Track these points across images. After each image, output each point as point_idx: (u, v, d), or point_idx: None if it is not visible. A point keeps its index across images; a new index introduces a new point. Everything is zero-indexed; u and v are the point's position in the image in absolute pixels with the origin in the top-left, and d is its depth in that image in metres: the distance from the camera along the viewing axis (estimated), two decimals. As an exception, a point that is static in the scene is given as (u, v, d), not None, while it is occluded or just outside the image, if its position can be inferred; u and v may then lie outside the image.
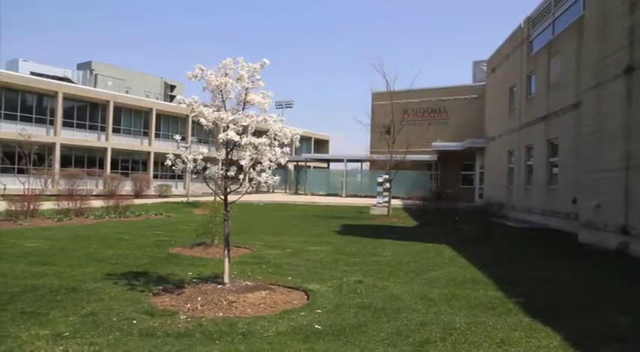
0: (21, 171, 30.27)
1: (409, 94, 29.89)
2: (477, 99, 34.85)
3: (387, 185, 22.17)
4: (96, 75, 48.51)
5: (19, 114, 33.30)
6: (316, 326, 4.88)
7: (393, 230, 15.33)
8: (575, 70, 15.74)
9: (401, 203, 25.76)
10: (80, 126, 37.05)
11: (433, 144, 34.30)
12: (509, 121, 23.82)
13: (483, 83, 32.84)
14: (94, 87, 43.86)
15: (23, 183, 27.69)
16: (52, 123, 34.75)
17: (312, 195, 37.81)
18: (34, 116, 34.27)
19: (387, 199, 21.82)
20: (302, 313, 5.37)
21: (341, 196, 36.69)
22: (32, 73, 40.01)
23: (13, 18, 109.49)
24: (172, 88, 57.23)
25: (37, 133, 31.72)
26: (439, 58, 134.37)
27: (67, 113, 36.07)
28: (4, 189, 27.89)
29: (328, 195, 37.68)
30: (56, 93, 34.64)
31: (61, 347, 4.17)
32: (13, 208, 15.22)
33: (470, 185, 33.59)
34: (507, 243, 12.80)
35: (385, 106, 24.18)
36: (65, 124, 35.45)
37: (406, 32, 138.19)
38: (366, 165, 41.69)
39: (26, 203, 15.57)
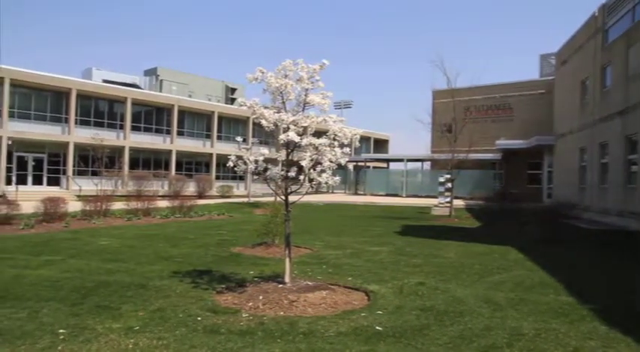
0: (94, 174, 32.21)
1: (471, 91, 29.02)
2: (544, 94, 33.22)
3: (449, 185, 21.61)
4: (161, 80, 50.75)
5: (92, 119, 35.40)
6: (377, 328, 4.82)
7: (456, 231, 14.92)
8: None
9: (463, 203, 25.02)
10: (147, 130, 38.83)
11: (497, 142, 33.06)
12: (580, 117, 22.53)
13: (552, 77, 31.25)
14: (160, 92, 45.84)
15: (96, 185, 29.44)
16: (121, 127, 36.67)
17: (372, 195, 37.52)
18: (105, 121, 36.32)
19: (448, 199, 21.27)
20: (362, 314, 5.32)
21: (401, 196, 36.18)
22: (104, 81, 42.44)
23: (88, 29, 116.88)
24: (233, 90, 58.84)
25: (108, 137, 33.51)
26: (503, 52, 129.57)
27: (135, 117, 37.92)
28: (80, 190, 29.75)
29: (388, 195, 37.28)
30: (125, 99, 36.53)
31: (131, 341, 4.38)
32: (88, 208, 16.24)
33: (537, 184, 32.06)
34: (580, 245, 12.05)
35: (446, 104, 23.59)
36: (133, 128, 37.26)
37: (468, 27, 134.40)
38: (427, 165, 40.87)
39: (99, 203, 16.57)
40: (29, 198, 20.34)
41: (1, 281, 6.69)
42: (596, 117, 20.09)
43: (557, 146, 27.31)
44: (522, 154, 33.15)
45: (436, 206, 22.23)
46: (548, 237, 12.18)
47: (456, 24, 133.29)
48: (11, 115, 30.62)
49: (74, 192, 29.82)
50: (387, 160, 47.74)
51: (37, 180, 32.60)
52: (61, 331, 4.63)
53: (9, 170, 30.47)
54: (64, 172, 33.32)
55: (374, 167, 49.54)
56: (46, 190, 28.41)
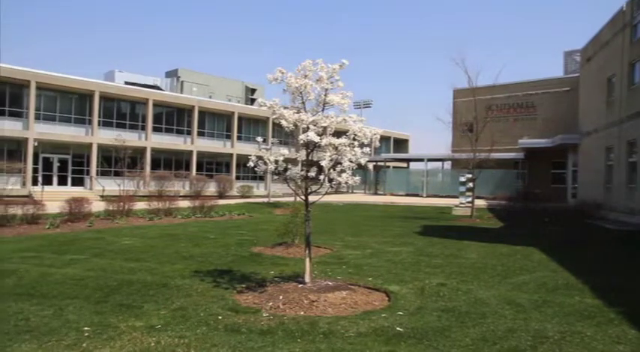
0: (117, 174, 32.82)
1: (493, 90, 28.63)
2: (568, 92, 32.60)
3: (471, 184, 21.36)
4: (182, 82, 51.26)
5: (114, 121, 36.01)
6: (398, 329, 4.79)
7: (477, 231, 14.73)
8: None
9: (485, 203, 24.72)
10: (168, 131, 39.32)
11: (520, 141, 32.55)
12: (607, 115, 22.03)
13: (576, 75, 30.66)
14: (181, 93, 46.34)
15: (119, 185, 30.02)
16: (143, 128, 37.21)
17: (392, 195, 37.35)
18: (127, 122, 36.90)
19: (470, 199, 21.03)
20: (383, 314, 5.29)
21: (421, 196, 35.91)
22: (126, 83, 43.08)
23: (111, 33, 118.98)
24: (253, 91, 59.10)
25: (130, 138, 34.11)
26: (525, 50, 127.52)
27: (157, 118, 38.42)
28: (103, 190, 30.30)
29: (408, 195, 37.05)
30: (147, 100, 37.05)
31: (154, 339, 4.43)
32: (111, 208, 16.52)
33: (561, 184, 31.46)
34: (606, 246, 11.78)
35: (467, 103, 23.32)
36: (155, 129, 37.77)
37: (489, 24, 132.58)
38: (448, 165, 40.46)
39: (122, 203, 16.84)
40: (54, 198, 20.80)
41: (28, 280, 6.85)
42: (624, 114, 19.62)
43: (582, 145, 26.77)
44: (546, 153, 32.58)
45: (457, 206, 21.99)
46: (573, 238, 11.94)
47: (478, 21, 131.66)
48: (37, 117, 31.37)
49: (97, 192, 30.38)
50: (407, 160, 47.45)
51: (62, 181, 33.31)
52: (85, 328, 4.71)
53: (35, 171, 31.20)
54: (88, 173, 33.98)
55: (394, 167, 49.29)
56: (71, 190, 29.03)
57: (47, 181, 31.65)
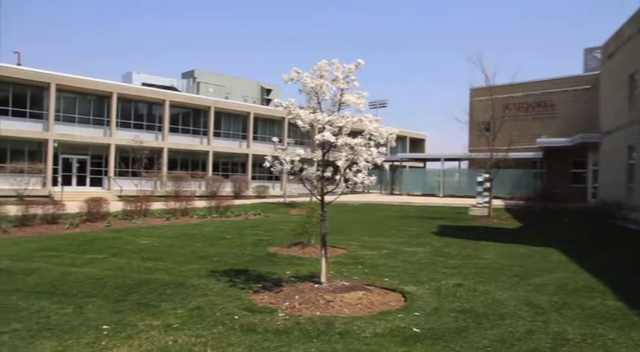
0: (134, 174, 33.22)
1: (511, 88, 28.25)
2: (588, 90, 32.06)
3: (488, 184, 21.13)
4: (198, 82, 51.66)
5: (132, 121, 36.49)
6: (414, 329, 4.76)
7: (495, 231, 14.57)
8: None
9: (503, 203, 24.43)
10: (185, 132, 39.68)
11: (538, 140, 32.11)
12: (629, 113, 21.58)
13: (597, 72, 30.11)
14: (197, 94, 46.72)
15: (136, 185, 30.38)
16: (160, 129, 37.62)
17: (408, 195, 37.16)
18: (144, 123, 37.34)
19: (487, 199, 20.81)
20: (399, 315, 5.26)
21: (438, 196, 35.67)
22: (143, 84, 43.57)
23: (128, 34, 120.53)
24: (268, 91, 59.30)
25: (147, 139, 34.50)
26: (543, 48, 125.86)
27: (173, 119, 38.80)
28: (121, 190, 30.70)
29: (424, 195, 36.83)
30: (164, 101, 37.45)
31: (171, 338, 4.47)
32: (129, 208, 16.72)
33: (581, 184, 30.96)
34: (628, 247, 11.53)
35: (484, 102, 23.07)
36: (171, 130, 38.15)
37: (505, 21, 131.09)
38: (465, 164, 40.13)
39: (139, 203, 17.03)
40: (74, 198, 21.12)
41: (49, 278, 6.97)
42: (646, 112, 19.20)
43: (602, 143, 26.28)
44: (565, 152, 32.10)
45: (474, 206, 21.77)
46: (594, 238, 11.73)
47: (494, 20, 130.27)
48: (57, 119, 31.93)
49: (115, 192, 30.79)
50: (424, 160, 47.19)
51: (81, 181, 33.84)
52: (104, 327, 4.78)
53: (55, 171, 31.76)
54: (106, 173, 34.47)
55: (410, 167, 49.05)
56: (89, 191, 29.49)
57: (66, 182, 32.17)
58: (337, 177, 5.99)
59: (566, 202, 19.95)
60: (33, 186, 27.62)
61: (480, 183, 21.97)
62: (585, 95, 32.42)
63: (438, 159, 39.68)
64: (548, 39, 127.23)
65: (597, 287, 6.82)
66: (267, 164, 6.22)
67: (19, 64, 34.35)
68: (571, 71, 42.96)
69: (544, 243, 11.43)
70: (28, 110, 31.26)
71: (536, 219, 16.79)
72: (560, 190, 27.43)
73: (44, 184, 30.26)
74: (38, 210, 14.02)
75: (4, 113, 30.12)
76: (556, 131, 33.39)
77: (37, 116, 31.57)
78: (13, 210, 13.60)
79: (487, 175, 21.23)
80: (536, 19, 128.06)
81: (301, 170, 6.10)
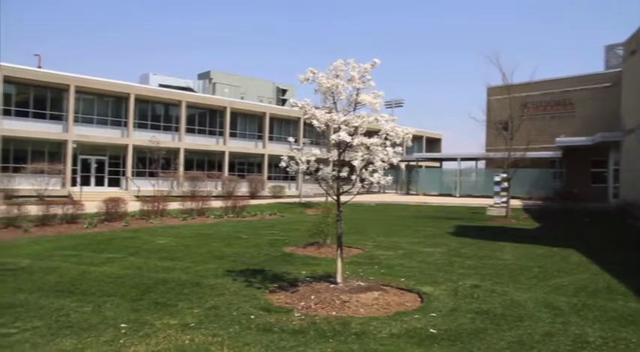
0: (151, 175, 33.57)
1: (529, 87, 27.87)
2: (609, 87, 31.46)
3: (505, 184, 20.90)
4: (214, 83, 52.04)
5: (149, 122, 36.87)
6: (431, 330, 4.72)
7: (513, 232, 14.40)
8: None
9: (520, 203, 24.12)
10: (201, 132, 39.96)
11: (557, 139, 31.63)
12: (651, 111, 21.12)
13: (618, 69, 29.54)
14: (213, 94, 47.05)
15: (153, 185, 30.68)
16: (176, 129, 37.94)
17: (425, 195, 36.91)
18: (161, 124, 37.70)
19: (505, 199, 20.57)
20: (416, 316, 5.22)
21: (454, 196, 35.37)
22: (160, 85, 44.04)
23: (145, 37, 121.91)
24: (284, 91, 59.50)
25: (164, 139, 34.79)
26: (561, 46, 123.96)
27: (190, 120, 39.10)
28: (138, 190, 31.04)
29: (441, 195, 36.54)
30: (180, 102, 37.77)
31: (188, 337, 4.50)
32: (146, 208, 16.90)
33: (602, 183, 30.41)
34: (649, 248, 11.32)
35: (502, 101, 22.79)
36: (188, 130, 38.45)
37: (523, 19, 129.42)
38: (482, 164, 39.72)
39: (156, 203, 17.19)
40: (92, 198, 21.42)
41: (68, 277, 7.08)
42: (668, 111, 18.78)
43: (624, 142, 25.76)
44: (585, 152, 31.56)
45: (491, 206, 21.54)
46: (615, 239, 11.50)
47: (511, 17, 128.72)
48: (76, 120, 32.40)
49: (133, 192, 31.13)
50: (440, 159, 46.83)
51: (99, 182, 34.29)
52: (122, 325, 4.83)
53: (74, 172, 32.24)
54: (124, 173, 34.88)
55: (426, 166, 48.74)
56: (107, 191, 29.88)
57: (85, 182, 32.63)
58: (353, 177, 5.97)
59: (586, 202, 19.64)
60: (53, 186, 28.14)
61: (498, 183, 21.74)
62: (605, 93, 31.83)
63: (454, 159, 39.33)
64: (566, 37, 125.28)
65: (619, 288, 6.69)
66: (283, 164, 6.23)
67: (39, 67, 34.99)
68: (589, 69, 42.22)
69: (563, 243, 11.26)
70: (48, 112, 31.81)
71: (555, 220, 16.54)
72: (579, 190, 26.98)
73: (63, 184, 30.77)
74: (58, 210, 14.25)
75: (25, 115, 30.70)
76: (575, 130, 32.85)
77: (56, 117, 32.09)
78: (33, 209, 13.86)
79: (505, 175, 21.00)
80: (556, 14, 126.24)
81: (317, 170, 6.09)
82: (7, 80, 29.22)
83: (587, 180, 31.97)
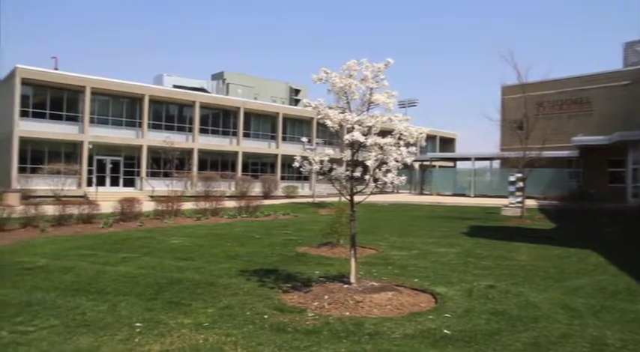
0: (166, 175, 33.88)
1: (544, 85, 27.60)
2: (628, 85, 30.93)
3: (520, 184, 20.67)
4: (227, 84, 52.26)
5: (163, 123, 37.19)
6: (445, 331, 4.68)
7: (528, 232, 14.22)
8: None
9: (536, 203, 23.86)
10: (214, 132, 40.19)
11: (573, 139, 31.19)
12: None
13: (637, 67, 29.03)
14: (226, 95, 47.27)
15: (167, 186, 30.96)
16: (190, 130, 38.20)
17: (438, 195, 36.67)
18: (175, 124, 37.99)
19: (520, 199, 20.35)
20: (430, 316, 5.19)
21: (469, 196, 35.09)
22: (174, 86, 44.36)
23: (159, 38, 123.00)
24: (297, 92, 59.58)
25: (178, 140, 35.08)
26: (577, 43, 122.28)
27: (203, 120, 39.35)
28: (153, 191, 31.31)
29: (455, 195, 36.29)
30: (194, 102, 38.03)
31: (202, 336, 4.52)
32: (160, 208, 17.03)
33: (620, 183, 29.91)
34: (669, 249, 11.09)
35: (517, 100, 22.56)
36: (202, 131, 38.69)
37: (539, 17, 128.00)
38: (496, 164, 39.36)
39: (170, 203, 17.31)
40: (107, 198, 21.65)
41: (85, 276, 7.16)
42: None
43: (642, 141, 25.33)
44: (602, 151, 31.07)
45: (506, 206, 21.32)
46: (635, 240, 11.30)
47: (526, 16, 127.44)
48: (91, 121, 32.80)
49: (147, 192, 31.41)
50: (454, 159, 46.52)
51: (114, 182, 34.67)
52: (137, 324, 4.87)
53: (89, 172, 32.64)
54: (138, 174, 35.21)
55: (440, 166, 48.45)
56: (122, 191, 30.16)
57: (100, 182, 33.01)
58: (366, 177, 5.95)
59: (603, 202, 19.33)
60: (69, 186, 28.53)
61: (513, 183, 21.50)
62: (624, 91, 31.31)
63: (468, 159, 39.03)
64: (582, 34, 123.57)
65: (639, 290, 6.56)
66: (296, 164, 6.23)
67: (55, 69, 35.48)
68: (606, 67, 41.56)
69: (581, 244, 11.09)
70: (64, 113, 32.25)
71: (572, 220, 16.32)
72: (597, 190, 26.59)
73: (79, 185, 31.16)
74: (74, 210, 14.43)
75: (42, 116, 31.16)
76: (592, 129, 32.35)
77: (72, 119, 32.51)
78: (50, 209, 14.05)
79: (520, 175, 20.77)
80: (570, 13, 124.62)
81: (330, 170, 6.08)
82: (25, 82, 29.72)
83: (604, 180, 31.48)
